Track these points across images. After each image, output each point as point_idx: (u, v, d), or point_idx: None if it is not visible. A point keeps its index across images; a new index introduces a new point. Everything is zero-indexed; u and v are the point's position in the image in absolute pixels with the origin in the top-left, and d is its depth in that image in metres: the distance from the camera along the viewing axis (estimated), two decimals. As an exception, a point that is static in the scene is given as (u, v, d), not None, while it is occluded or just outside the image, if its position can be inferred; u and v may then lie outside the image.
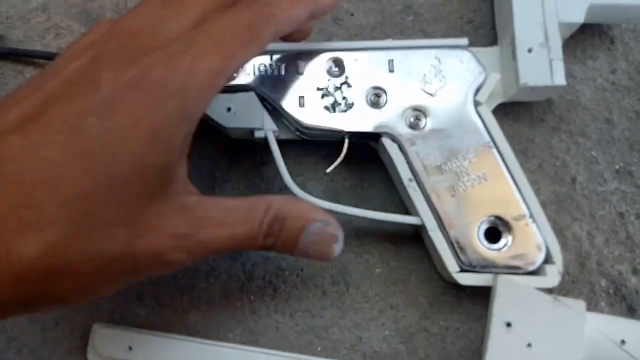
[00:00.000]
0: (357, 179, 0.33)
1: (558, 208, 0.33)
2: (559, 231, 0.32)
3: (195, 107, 0.19)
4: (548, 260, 0.28)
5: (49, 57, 0.34)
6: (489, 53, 0.33)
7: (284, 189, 0.30)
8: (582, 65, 0.35)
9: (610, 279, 0.32)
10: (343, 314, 0.32)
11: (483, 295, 0.30)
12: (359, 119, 0.30)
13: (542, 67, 0.31)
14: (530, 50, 0.31)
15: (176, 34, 0.19)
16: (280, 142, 0.31)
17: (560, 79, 0.30)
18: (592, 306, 0.31)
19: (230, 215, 0.21)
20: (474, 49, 0.33)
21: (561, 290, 0.31)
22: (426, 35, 0.35)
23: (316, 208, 0.24)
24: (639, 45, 0.36)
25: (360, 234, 0.32)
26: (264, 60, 0.30)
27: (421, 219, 0.29)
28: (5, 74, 0.35)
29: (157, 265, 0.19)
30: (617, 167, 0.33)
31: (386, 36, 0.35)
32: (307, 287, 0.32)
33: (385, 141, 0.30)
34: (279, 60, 0.31)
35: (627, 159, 0.34)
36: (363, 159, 0.32)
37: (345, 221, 0.31)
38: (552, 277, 0.28)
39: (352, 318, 0.32)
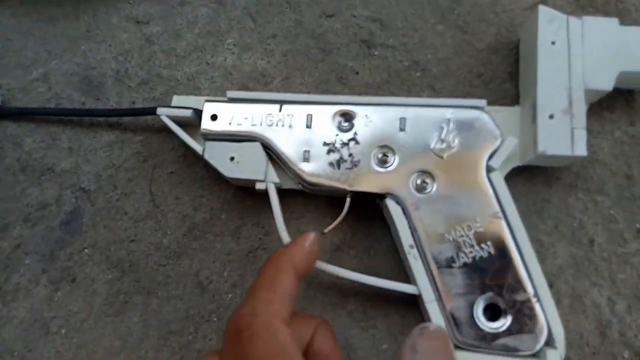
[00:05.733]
0: (362, 235, 0.32)
1: (576, 272, 0.31)
2: (577, 298, 0.30)
3: None
4: (550, 343, 0.27)
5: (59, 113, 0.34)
6: (509, 113, 0.32)
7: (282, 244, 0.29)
8: (599, 117, 0.33)
9: (634, 350, 0.29)
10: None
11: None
12: (364, 178, 0.29)
13: (563, 135, 0.29)
14: (552, 116, 0.29)
15: None
16: (284, 191, 0.31)
17: (581, 150, 0.29)
18: (616, 381, 0.29)
19: None
20: (493, 108, 0.31)
21: (581, 364, 0.29)
22: (434, 91, 0.34)
23: None
24: (659, 95, 0.33)
25: (367, 307, 0.31)
26: (272, 111, 0.30)
27: (419, 288, 0.28)
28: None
29: None
30: (638, 226, 0.31)
31: (393, 94, 0.34)
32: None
33: (389, 203, 0.29)
34: (288, 111, 0.30)
35: (648, 216, 0.31)
36: (369, 215, 0.32)
37: (350, 293, 0.31)
38: (554, 362, 0.26)
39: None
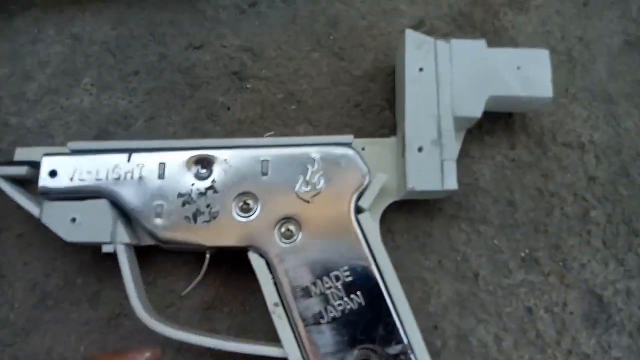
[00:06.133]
0: (236, 290, 0.29)
1: (461, 310, 0.29)
2: (463, 338, 0.29)
3: None
4: (429, 397, 0.25)
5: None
6: (385, 145, 0.30)
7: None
8: (479, 142, 0.32)
9: (520, 390, 0.28)
10: None
11: None
12: (224, 231, 0.27)
13: (432, 169, 0.27)
14: (420, 149, 0.28)
15: None
16: (146, 248, 0.28)
17: (451, 183, 0.27)
18: None
19: None
20: (368, 140, 0.30)
21: (459, 411, 0.27)
22: (311, 124, 0.32)
23: None
24: (538, 116, 0.32)
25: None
26: (119, 162, 0.27)
27: (285, 350, 0.25)
28: None
29: None
30: (522, 254, 0.30)
31: (267, 130, 0.32)
32: None
33: (252, 256, 0.26)
34: (137, 161, 0.27)
35: (532, 243, 0.30)
36: (242, 266, 0.29)
37: (225, 356, 0.27)
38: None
39: None
